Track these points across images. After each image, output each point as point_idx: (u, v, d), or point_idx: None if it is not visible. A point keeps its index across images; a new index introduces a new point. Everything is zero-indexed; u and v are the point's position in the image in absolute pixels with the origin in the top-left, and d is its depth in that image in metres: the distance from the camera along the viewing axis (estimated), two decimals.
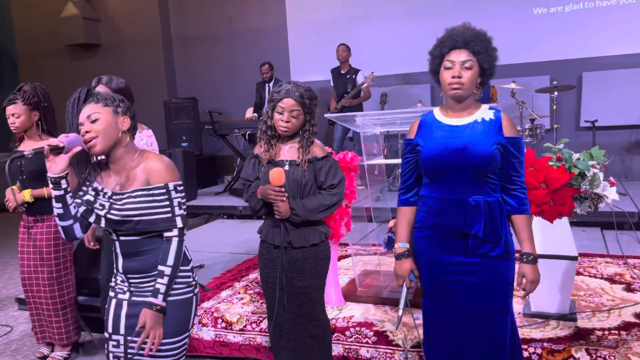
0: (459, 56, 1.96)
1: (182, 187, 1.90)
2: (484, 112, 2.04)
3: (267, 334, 3.03)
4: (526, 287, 1.99)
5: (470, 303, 2.01)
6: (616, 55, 6.43)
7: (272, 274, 2.52)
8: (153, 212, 1.84)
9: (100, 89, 3.00)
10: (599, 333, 2.63)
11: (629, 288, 3.22)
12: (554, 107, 5.49)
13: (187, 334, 1.97)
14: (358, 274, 3.49)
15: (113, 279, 2.02)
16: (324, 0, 7.86)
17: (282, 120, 2.37)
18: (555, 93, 5.44)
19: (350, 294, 3.29)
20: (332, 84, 7.03)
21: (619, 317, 2.81)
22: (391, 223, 3.34)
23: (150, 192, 1.84)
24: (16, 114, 3.16)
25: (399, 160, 5.21)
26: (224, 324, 3.16)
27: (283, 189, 2.29)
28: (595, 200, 2.69)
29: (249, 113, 7.36)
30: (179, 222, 1.88)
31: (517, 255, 2.04)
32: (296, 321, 2.52)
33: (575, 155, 2.75)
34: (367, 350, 2.80)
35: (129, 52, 8.93)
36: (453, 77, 1.95)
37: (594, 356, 2.43)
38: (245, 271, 4.06)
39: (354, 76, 6.72)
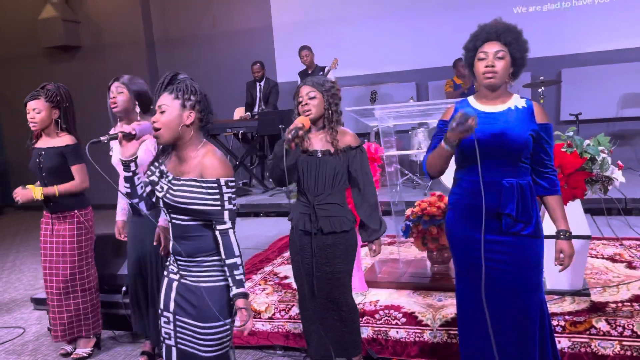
0: (491, 47, 2.11)
1: (233, 184, 1.97)
2: (516, 101, 2.19)
3: (297, 321, 3.14)
4: (564, 262, 2.15)
5: (503, 280, 2.13)
6: (593, 52, 6.76)
7: (303, 260, 2.63)
8: (203, 203, 1.92)
9: (114, 86, 3.04)
10: (613, 305, 2.83)
11: (630, 266, 3.45)
12: (541, 101, 5.76)
13: (229, 320, 2.04)
14: (376, 262, 3.62)
15: (168, 259, 2.12)
16: (309, 0, 7.97)
17: (301, 105, 2.51)
18: (542, 88, 5.70)
19: (371, 281, 3.42)
20: None
21: (628, 291, 3.02)
22: (408, 212, 3.49)
23: (203, 184, 1.92)
24: (37, 109, 3.18)
25: (413, 152, 5.35)
26: (252, 313, 3.24)
27: (301, 125, 2.39)
28: (605, 182, 2.90)
29: (240, 112, 7.40)
30: (227, 216, 1.93)
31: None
32: (326, 306, 2.63)
33: (586, 142, 2.95)
34: (397, 331, 2.93)
35: (110, 54, 8.84)
36: (486, 66, 2.10)
37: (614, 325, 2.63)
38: (259, 264, 4.14)
39: (320, 73, 6.83)
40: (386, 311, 3.02)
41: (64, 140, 3.26)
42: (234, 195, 1.97)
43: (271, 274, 3.87)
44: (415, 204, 3.45)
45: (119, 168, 3.02)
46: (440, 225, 3.30)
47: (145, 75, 8.63)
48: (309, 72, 6.88)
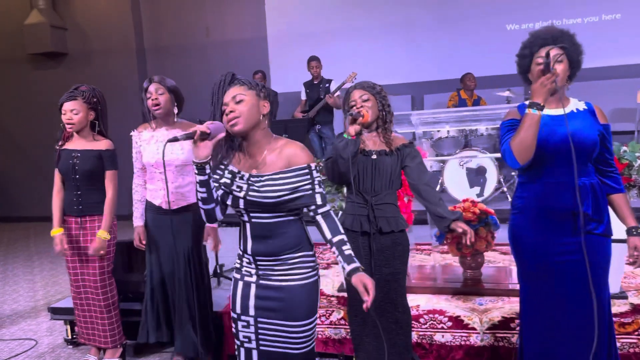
0: (549, 51, 2.15)
1: (319, 168, 1.99)
2: (577, 104, 2.24)
3: (339, 327, 3.11)
4: (638, 260, 2.19)
5: (575, 281, 2.14)
6: (583, 69, 6.98)
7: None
8: (297, 190, 1.90)
9: (153, 87, 3.00)
10: None
11: None
12: None
13: (317, 315, 2.03)
14: (409, 268, 3.61)
15: (238, 261, 2.05)
16: (305, 12, 8.03)
17: (355, 108, 2.52)
18: None
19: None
20: (302, 96, 7.13)
21: None
22: None
23: (295, 173, 1.91)
24: (75, 110, 3.10)
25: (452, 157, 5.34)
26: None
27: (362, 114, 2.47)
28: None
29: None
30: (321, 199, 1.94)
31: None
32: (382, 308, 2.61)
33: (623, 148, 3.04)
34: (442, 335, 2.93)
35: (98, 61, 8.66)
36: None
37: None
38: None
39: (327, 85, 6.89)
40: (430, 315, 3.01)
41: (103, 144, 3.18)
42: (321, 179, 1.97)
43: None
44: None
45: (157, 168, 2.97)
46: (477, 230, 3.33)
47: (135, 83, 8.49)
48: (315, 82, 6.90)
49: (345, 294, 3.39)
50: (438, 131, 5.55)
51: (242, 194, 1.91)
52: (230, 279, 3.55)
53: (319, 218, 1.94)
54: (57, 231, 3.15)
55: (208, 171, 1.86)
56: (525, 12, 7.25)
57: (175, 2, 8.55)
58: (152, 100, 2.96)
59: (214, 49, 8.40)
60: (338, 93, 6.71)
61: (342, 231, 1.94)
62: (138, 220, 3.16)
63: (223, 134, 1.88)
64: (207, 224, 3.02)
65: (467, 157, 5.12)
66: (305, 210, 1.97)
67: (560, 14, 7.15)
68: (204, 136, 1.83)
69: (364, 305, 1.81)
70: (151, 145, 3.04)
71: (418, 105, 7.65)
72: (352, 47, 7.79)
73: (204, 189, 1.88)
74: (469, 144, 5.58)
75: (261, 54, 8.20)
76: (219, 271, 4.07)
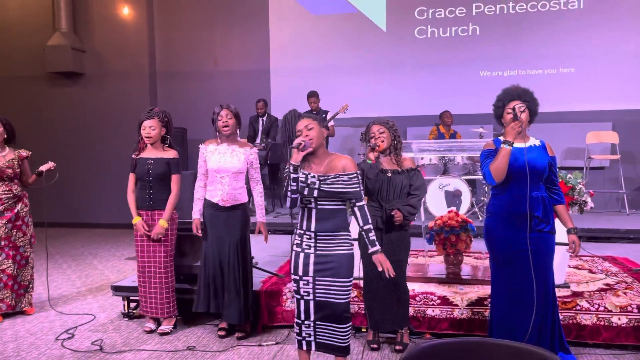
0: (516, 104, 3.18)
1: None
2: (534, 140, 3.26)
3: (352, 302, 4.02)
4: (575, 250, 3.19)
5: (533, 264, 3.11)
6: (542, 113, 8.18)
7: None
8: (350, 188, 2.86)
9: (224, 112, 3.92)
10: (588, 293, 3.93)
11: (591, 271, 4.60)
12: None
13: (352, 278, 2.94)
14: None
15: (298, 239, 2.96)
16: (305, 49, 9.09)
17: (373, 139, 3.52)
18: None
19: None
20: None
21: (594, 285, 4.13)
22: (430, 223, 4.49)
23: (349, 176, 2.87)
24: (152, 126, 3.99)
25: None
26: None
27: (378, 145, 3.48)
28: (582, 205, 4.04)
29: None
30: (362, 194, 2.91)
31: None
32: (388, 288, 3.56)
33: (569, 175, 4.10)
34: (432, 310, 3.88)
35: (112, 82, 9.44)
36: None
37: (592, 303, 3.71)
38: None
39: (324, 116, 7.87)
40: (424, 295, 3.96)
41: (171, 153, 4.06)
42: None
43: None
44: (437, 218, 4.46)
45: (218, 173, 3.87)
46: (458, 234, 4.32)
47: (146, 104, 9.33)
48: (313, 113, 7.88)
49: (356, 281, 4.30)
50: (422, 158, 6.58)
51: (317, 186, 2.86)
52: (262, 270, 4.46)
53: (356, 209, 2.88)
54: (137, 219, 4.00)
55: (299, 171, 2.83)
56: (496, 63, 8.49)
57: (188, 32, 9.50)
58: (223, 122, 3.87)
59: (220, 77, 9.34)
60: (332, 123, 7.71)
61: (370, 222, 2.88)
62: (196, 214, 4.03)
63: (310, 149, 2.85)
64: (259, 221, 3.93)
65: (447, 180, 6.14)
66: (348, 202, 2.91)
67: (525, 65, 8.40)
68: (302, 148, 2.79)
69: (384, 271, 2.81)
70: (215, 155, 3.93)
71: (401, 136, 8.69)
72: (345, 82, 8.86)
73: (295, 183, 2.84)
74: (447, 170, 6.61)
75: (264, 84, 9.17)
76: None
